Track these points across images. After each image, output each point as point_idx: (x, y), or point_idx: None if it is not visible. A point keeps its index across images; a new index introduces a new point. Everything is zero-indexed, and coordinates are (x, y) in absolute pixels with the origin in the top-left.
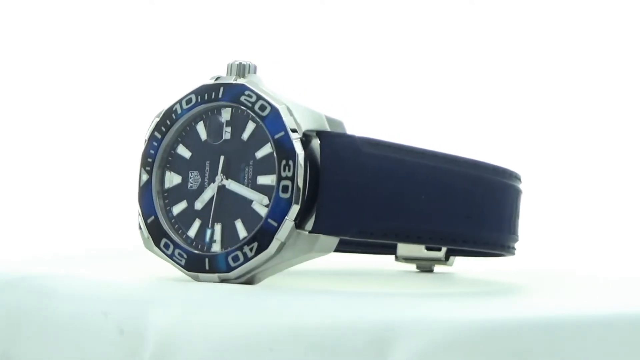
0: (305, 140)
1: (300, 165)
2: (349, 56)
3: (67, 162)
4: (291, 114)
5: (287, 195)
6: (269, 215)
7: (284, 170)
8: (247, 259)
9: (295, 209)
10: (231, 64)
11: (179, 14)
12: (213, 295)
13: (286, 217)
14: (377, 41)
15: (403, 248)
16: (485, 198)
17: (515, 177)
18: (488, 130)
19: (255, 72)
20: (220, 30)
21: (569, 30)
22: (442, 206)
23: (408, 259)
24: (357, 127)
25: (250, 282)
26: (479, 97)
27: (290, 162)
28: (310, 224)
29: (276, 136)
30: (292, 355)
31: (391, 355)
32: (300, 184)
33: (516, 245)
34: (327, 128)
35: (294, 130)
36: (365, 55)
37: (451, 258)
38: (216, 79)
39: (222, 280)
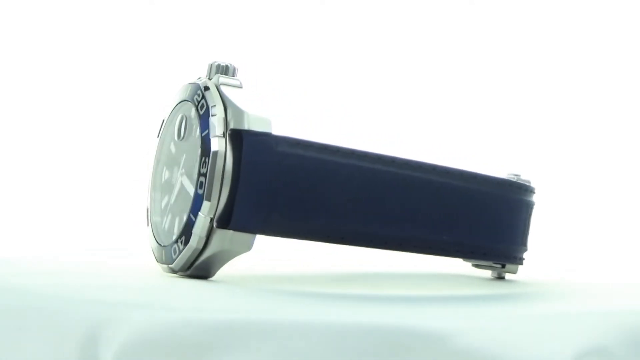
0: (235, 139)
1: (214, 162)
2: (349, 58)
3: (58, 161)
4: (223, 113)
5: (201, 192)
6: (190, 211)
7: (202, 167)
8: (179, 252)
9: (207, 205)
10: (210, 64)
11: (183, 14)
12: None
13: (199, 213)
14: (378, 43)
15: None
16: (439, 203)
17: (507, 185)
18: (486, 130)
19: (233, 74)
20: (229, 33)
21: (563, 35)
22: (374, 207)
23: (479, 266)
24: (357, 127)
25: (202, 275)
26: (481, 100)
27: (207, 160)
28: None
29: (203, 134)
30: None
31: None
32: (214, 181)
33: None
34: (256, 127)
35: (217, 129)
36: (365, 57)
37: (510, 266)
38: (197, 79)
39: (173, 272)
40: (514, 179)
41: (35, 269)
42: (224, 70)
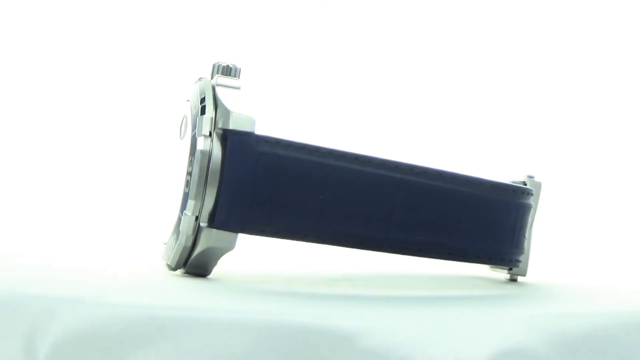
0: (222, 138)
1: (198, 161)
2: (352, 59)
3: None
4: (213, 113)
5: (186, 190)
6: (181, 209)
7: (189, 166)
8: (173, 249)
9: (191, 204)
10: (213, 65)
11: (193, 14)
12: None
13: (185, 211)
14: (382, 45)
15: None
16: (419, 205)
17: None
18: (489, 132)
19: (235, 74)
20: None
21: (567, 36)
22: (351, 207)
23: (494, 268)
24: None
25: (198, 273)
26: (482, 101)
27: (192, 158)
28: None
29: (193, 133)
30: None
31: None
32: (197, 180)
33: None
34: (239, 127)
35: (204, 128)
36: (370, 59)
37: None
38: (199, 79)
39: (171, 269)
40: (528, 181)
41: None
42: (226, 70)
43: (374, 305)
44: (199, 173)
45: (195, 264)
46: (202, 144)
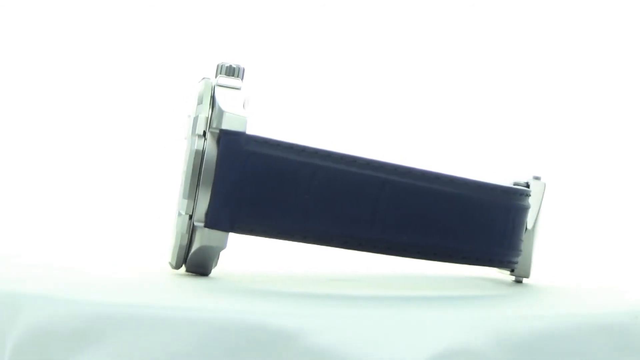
0: (217, 138)
1: (191, 161)
2: (355, 60)
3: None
4: (209, 113)
5: (181, 189)
6: (177, 208)
7: (184, 165)
8: (171, 248)
9: (184, 203)
10: (217, 65)
11: (202, 13)
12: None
13: (179, 210)
14: (386, 47)
15: None
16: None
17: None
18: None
19: (239, 74)
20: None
21: (567, 37)
22: (336, 207)
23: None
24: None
25: (199, 272)
26: (483, 101)
27: (187, 158)
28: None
29: (190, 132)
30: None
31: None
32: (190, 179)
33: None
34: (231, 127)
35: (198, 128)
36: (375, 61)
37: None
38: (203, 78)
39: (172, 268)
40: (532, 182)
41: None
42: (229, 71)
43: (325, 304)
44: (192, 172)
45: (193, 263)
46: (195, 144)
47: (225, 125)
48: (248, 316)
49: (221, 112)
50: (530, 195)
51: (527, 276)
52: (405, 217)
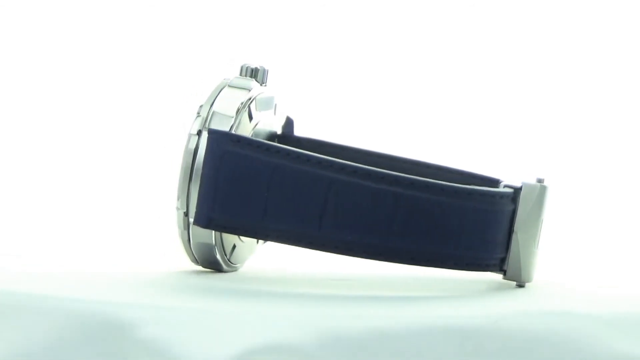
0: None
1: (184, 158)
2: (358, 61)
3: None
4: (208, 112)
5: (177, 186)
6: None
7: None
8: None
9: (180, 200)
10: (241, 66)
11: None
12: None
13: (176, 206)
14: (390, 48)
15: None
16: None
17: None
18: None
19: (260, 76)
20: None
21: (567, 37)
22: (308, 208)
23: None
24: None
25: (213, 268)
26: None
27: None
28: None
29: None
30: None
31: None
32: (182, 177)
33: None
34: (218, 126)
35: (194, 127)
36: (380, 62)
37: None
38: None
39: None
40: (534, 185)
41: None
42: (250, 72)
43: (164, 297)
44: (184, 170)
45: (199, 259)
46: (189, 142)
47: (212, 125)
48: (96, 306)
49: (212, 112)
50: (514, 198)
51: (519, 280)
52: (351, 218)
